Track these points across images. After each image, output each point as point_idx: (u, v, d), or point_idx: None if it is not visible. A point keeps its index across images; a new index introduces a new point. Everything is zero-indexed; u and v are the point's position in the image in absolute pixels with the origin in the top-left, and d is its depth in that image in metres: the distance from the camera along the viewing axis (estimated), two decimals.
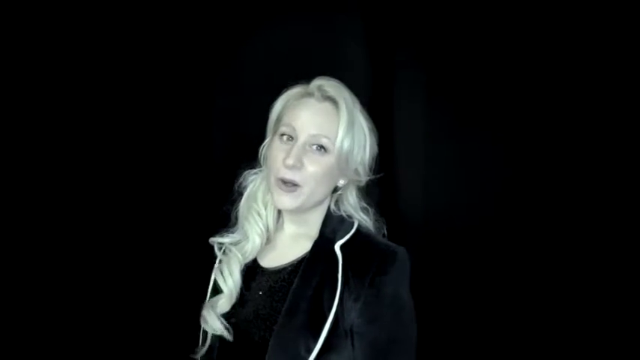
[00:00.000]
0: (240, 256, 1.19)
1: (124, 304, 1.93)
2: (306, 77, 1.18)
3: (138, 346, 1.92)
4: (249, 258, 1.20)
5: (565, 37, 1.66)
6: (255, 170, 1.25)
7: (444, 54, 1.76)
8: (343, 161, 1.13)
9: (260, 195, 1.23)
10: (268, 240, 1.24)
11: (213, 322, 1.14)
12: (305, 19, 1.85)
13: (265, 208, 1.23)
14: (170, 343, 1.70)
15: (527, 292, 1.73)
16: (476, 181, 1.77)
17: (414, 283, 1.13)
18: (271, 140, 1.18)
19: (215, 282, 1.22)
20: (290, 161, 1.09)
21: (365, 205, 1.22)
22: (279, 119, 1.17)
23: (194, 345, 1.22)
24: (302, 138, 1.11)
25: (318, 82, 1.15)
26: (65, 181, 1.89)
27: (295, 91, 1.17)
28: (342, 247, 1.12)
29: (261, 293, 1.15)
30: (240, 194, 1.24)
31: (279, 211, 1.24)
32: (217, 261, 1.24)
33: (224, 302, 1.16)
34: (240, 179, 1.25)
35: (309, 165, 1.11)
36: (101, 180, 1.92)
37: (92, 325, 1.91)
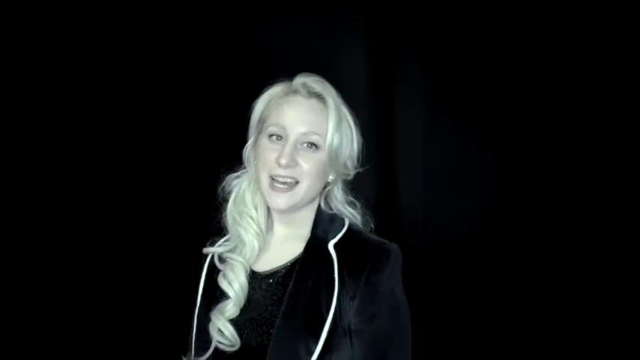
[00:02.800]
0: (242, 260, 1.15)
1: (110, 312, 1.92)
2: None
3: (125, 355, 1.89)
4: (251, 262, 1.17)
5: (565, 38, 1.70)
6: (237, 173, 1.22)
7: (444, 55, 1.79)
8: (333, 157, 1.12)
9: (249, 197, 1.20)
10: None
11: (223, 327, 1.10)
12: (304, 21, 1.85)
13: (256, 210, 1.20)
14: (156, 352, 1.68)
15: (528, 291, 1.76)
16: (476, 181, 1.80)
17: (414, 282, 1.14)
18: (257, 141, 1.15)
19: (204, 289, 1.19)
20: (284, 161, 1.07)
21: (351, 198, 1.22)
22: (262, 119, 1.15)
23: (182, 353, 1.20)
24: (292, 137, 1.10)
25: (301, 79, 1.13)
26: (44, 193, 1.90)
27: (278, 89, 1.15)
28: (335, 246, 1.12)
29: (256, 297, 1.13)
30: (225, 199, 1.21)
31: (269, 213, 1.21)
32: (213, 271, 1.20)
33: (232, 307, 1.12)
34: (223, 183, 1.21)
35: (304, 163, 1.10)
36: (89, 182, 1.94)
37: (77, 332, 1.91)
